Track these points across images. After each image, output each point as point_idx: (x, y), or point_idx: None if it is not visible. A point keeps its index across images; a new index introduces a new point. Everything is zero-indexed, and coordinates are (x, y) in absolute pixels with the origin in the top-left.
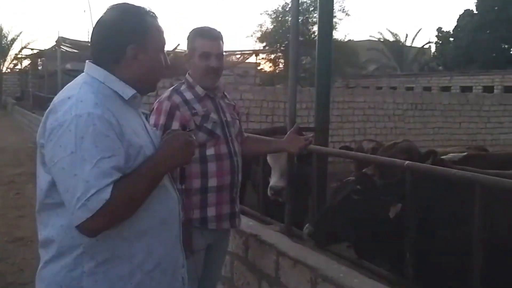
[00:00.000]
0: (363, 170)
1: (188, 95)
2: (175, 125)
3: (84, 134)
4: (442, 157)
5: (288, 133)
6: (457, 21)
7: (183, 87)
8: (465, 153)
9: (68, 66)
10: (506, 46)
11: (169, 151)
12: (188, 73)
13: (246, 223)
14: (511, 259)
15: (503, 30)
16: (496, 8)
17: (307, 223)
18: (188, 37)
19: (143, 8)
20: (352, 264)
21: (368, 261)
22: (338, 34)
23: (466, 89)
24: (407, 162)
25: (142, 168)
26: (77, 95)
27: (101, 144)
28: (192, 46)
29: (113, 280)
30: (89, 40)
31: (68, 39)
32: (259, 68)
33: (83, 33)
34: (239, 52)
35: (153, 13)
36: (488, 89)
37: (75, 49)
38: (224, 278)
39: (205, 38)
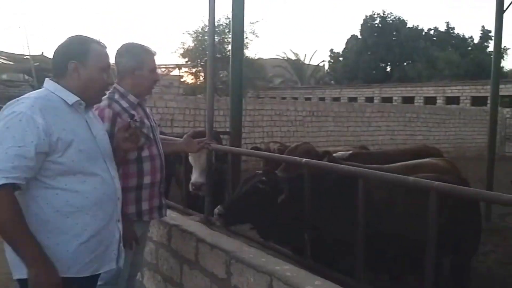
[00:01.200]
0: (280, 169)
1: (124, 104)
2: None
3: (10, 126)
4: (333, 155)
5: (184, 136)
6: (345, 44)
7: (116, 96)
8: (350, 152)
9: (4, 76)
10: (383, 64)
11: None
12: (116, 83)
13: (170, 215)
14: (388, 239)
15: (381, 52)
16: (375, 34)
17: None
18: (130, 52)
19: (92, 38)
20: (262, 247)
21: (273, 242)
22: (249, 53)
23: (352, 100)
24: (304, 159)
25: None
26: (23, 99)
27: (18, 136)
28: (140, 61)
29: (52, 246)
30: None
31: (4, 52)
32: (182, 80)
33: (19, 47)
34: (164, 66)
35: (102, 43)
36: (369, 100)
37: (11, 61)
38: (149, 264)
39: (153, 55)
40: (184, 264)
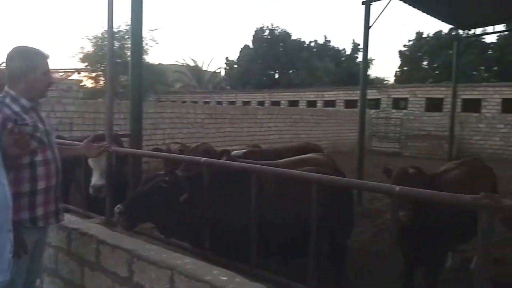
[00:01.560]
0: (180, 168)
1: (15, 108)
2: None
3: None
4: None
5: (84, 141)
6: (239, 53)
7: (7, 100)
8: (244, 150)
9: None
10: (272, 72)
11: None
12: (8, 87)
13: (69, 219)
14: (279, 227)
15: (270, 61)
16: (265, 44)
17: None
18: (22, 55)
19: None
20: (163, 243)
21: (175, 238)
22: (150, 58)
23: (246, 103)
24: (203, 158)
25: None
26: None
27: None
28: (32, 63)
29: None
30: None
31: None
32: (82, 84)
33: None
34: (63, 70)
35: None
36: (261, 103)
37: None
38: (49, 269)
39: (46, 58)
40: (85, 267)
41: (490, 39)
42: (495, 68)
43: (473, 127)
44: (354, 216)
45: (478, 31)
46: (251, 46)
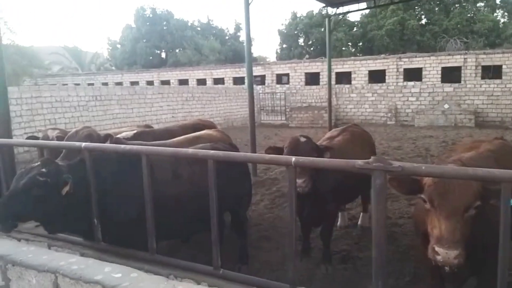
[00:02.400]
0: (61, 157)
1: None
2: None
3: None
4: (118, 135)
5: None
6: (122, 32)
7: None
8: (134, 131)
9: None
10: (158, 51)
11: None
12: None
13: None
14: (179, 210)
15: (155, 40)
16: (148, 23)
17: None
18: None
19: None
20: (50, 239)
21: (66, 233)
22: (20, 40)
23: (134, 83)
24: (84, 144)
25: None
26: None
27: None
28: None
29: None
30: None
31: None
32: None
33: None
34: None
35: None
36: (150, 83)
37: None
38: None
39: None
40: None
41: (355, 17)
42: (360, 43)
43: (346, 97)
44: (251, 187)
45: (346, 9)
46: (133, 25)
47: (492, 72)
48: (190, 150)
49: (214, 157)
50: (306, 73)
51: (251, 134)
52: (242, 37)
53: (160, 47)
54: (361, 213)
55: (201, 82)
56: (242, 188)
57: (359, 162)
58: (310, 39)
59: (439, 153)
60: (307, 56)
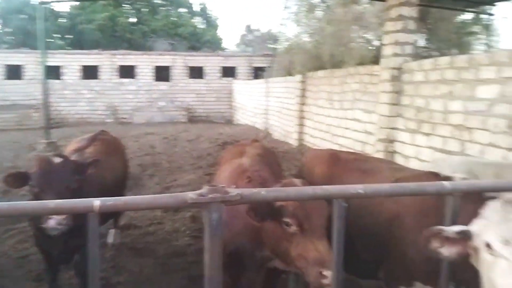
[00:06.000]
0: None
1: None
2: None
3: None
4: None
5: None
6: None
7: None
8: None
9: None
10: None
11: None
12: None
13: None
14: None
15: None
16: None
17: None
18: None
19: None
20: None
21: None
22: None
23: None
24: None
25: None
26: None
27: None
28: None
29: None
30: None
31: None
32: None
33: None
34: None
35: None
36: None
37: None
38: None
39: None
40: None
41: (63, 8)
42: (69, 36)
43: (59, 94)
44: None
45: None
46: None
47: (196, 73)
48: None
49: None
50: (6, 65)
51: None
52: None
53: None
54: (111, 230)
55: None
56: None
57: (190, 195)
58: (9, 26)
59: (165, 149)
60: (6, 45)
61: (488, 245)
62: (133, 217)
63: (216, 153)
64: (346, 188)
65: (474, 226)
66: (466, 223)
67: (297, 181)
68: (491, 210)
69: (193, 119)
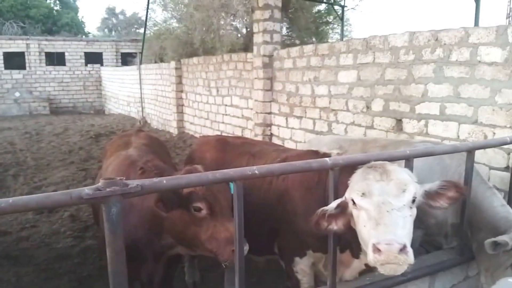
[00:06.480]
0: None
1: None
2: None
3: None
4: None
5: None
6: None
7: None
8: None
9: None
10: None
11: None
12: None
13: None
14: None
15: None
16: None
17: None
18: None
19: None
20: None
21: None
22: None
23: None
24: None
25: None
26: None
27: None
28: None
29: None
30: None
31: None
32: None
33: None
34: None
35: None
36: None
37: None
38: None
39: None
40: None
41: None
42: None
43: None
44: None
45: None
46: None
47: (56, 59)
48: None
49: None
50: None
51: None
52: None
53: None
54: None
55: None
56: None
57: (86, 191)
58: None
59: (27, 146)
60: None
61: (352, 201)
62: (0, 223)
63: (89, 147)
64: (243, 170)
65: (346, 193)
66: (344, 194)
67: (199, 167)
68: (356, 175)
69: (57, 110)
